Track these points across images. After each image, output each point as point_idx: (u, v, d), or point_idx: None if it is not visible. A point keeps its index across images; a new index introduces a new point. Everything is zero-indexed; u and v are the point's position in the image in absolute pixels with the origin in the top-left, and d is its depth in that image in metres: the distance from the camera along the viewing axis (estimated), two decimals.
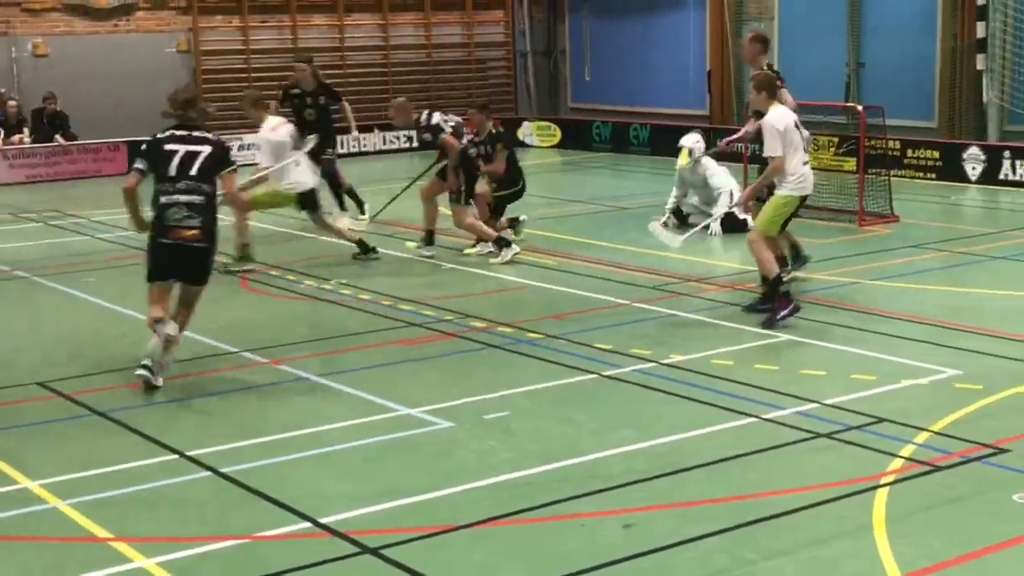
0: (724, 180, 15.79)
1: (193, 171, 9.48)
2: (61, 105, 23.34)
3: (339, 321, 11.52)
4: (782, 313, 10.68)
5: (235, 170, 9.86)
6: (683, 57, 25.71)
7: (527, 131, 27.38)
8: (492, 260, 14.11)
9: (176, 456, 7.89)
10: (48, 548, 6.62)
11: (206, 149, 9.59)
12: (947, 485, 7.14)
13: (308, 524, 6.76)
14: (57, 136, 23.28)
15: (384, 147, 26.56)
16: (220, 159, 9.67)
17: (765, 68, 12.10)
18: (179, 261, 9.53)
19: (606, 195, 19.31)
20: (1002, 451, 7.61)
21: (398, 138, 26.76)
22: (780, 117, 10.98)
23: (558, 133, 27.18)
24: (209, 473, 7.58)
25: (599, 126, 26.29)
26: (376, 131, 26.47)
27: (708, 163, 15.89)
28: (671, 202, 16.23)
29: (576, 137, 26.67)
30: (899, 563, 6.09)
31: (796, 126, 11.06)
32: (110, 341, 11.10)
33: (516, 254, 14.12)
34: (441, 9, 27.99)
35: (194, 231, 9.43)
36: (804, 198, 11.24)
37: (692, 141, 16.19)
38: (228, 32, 25.93)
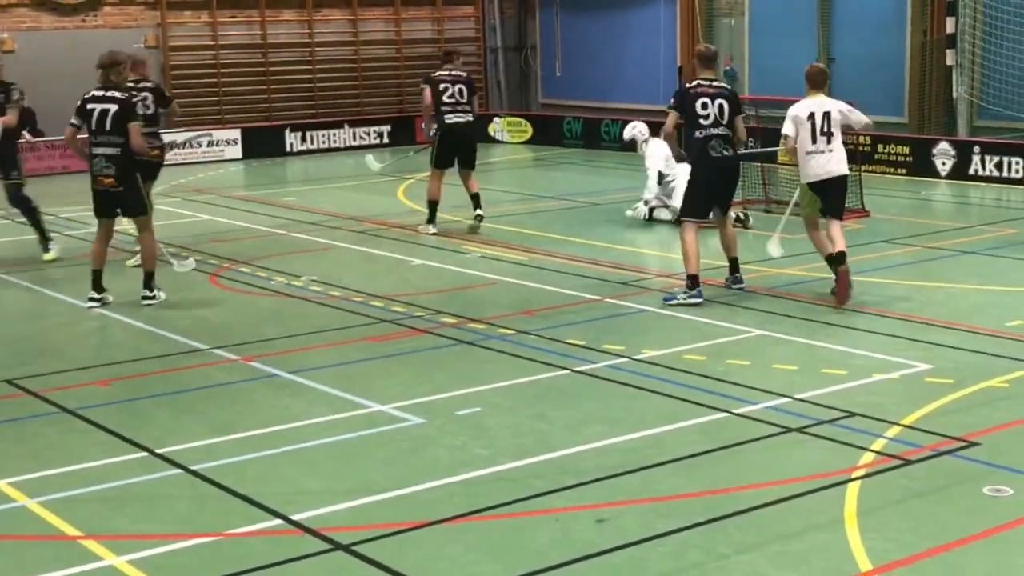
0: (653, 162, 16.13)
1: (107, 126, 11.56)
2: (28, 101, 23.07)
3: (310, 318, 11.47)
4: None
5: (139, 122, 11.77)
6: (654, 53, 25.74)
7: (498, 127, 27.36)
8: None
9: (146, 454, 7.84)
10: (17, 547, 6.56)
11: (114, 107, 11.59)
12: (918, 479, 7.17)
13: (280, 521, 6.73)
14: (24, 133, 23.04)
15: (354, 143, 26.50)
16: (125, 113, 11.60)
17: (697, 81, 12.03)
18: (108, 203, 11.82)
19: (577, 191, 19.31)
20: (972, 444, 7.64)
21: (368, 134, 26.71)
22: (796, 106, 11.73)
23: (529, 129, 27.17)
24: (179, 471, 7.54)
25: (570, 122, 26.29)
26: (346, 127, 26.42)
27: (649, 146, 16.25)
28: (647, 195, 16.29)
29: (547, 133, 26.67)
30: (870, 556, 6.11)
31: (812, 117, 11.54)
32: (78, 338, 11.04)
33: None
34: (411, 4, 27.94)
35: (110, 179, 11.66)
36: (818, 185, 11.66)
37: (631, 131, 16.75)
38: (197, 27, 25.79)
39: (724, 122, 11.84)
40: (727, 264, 12.22)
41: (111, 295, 12.08)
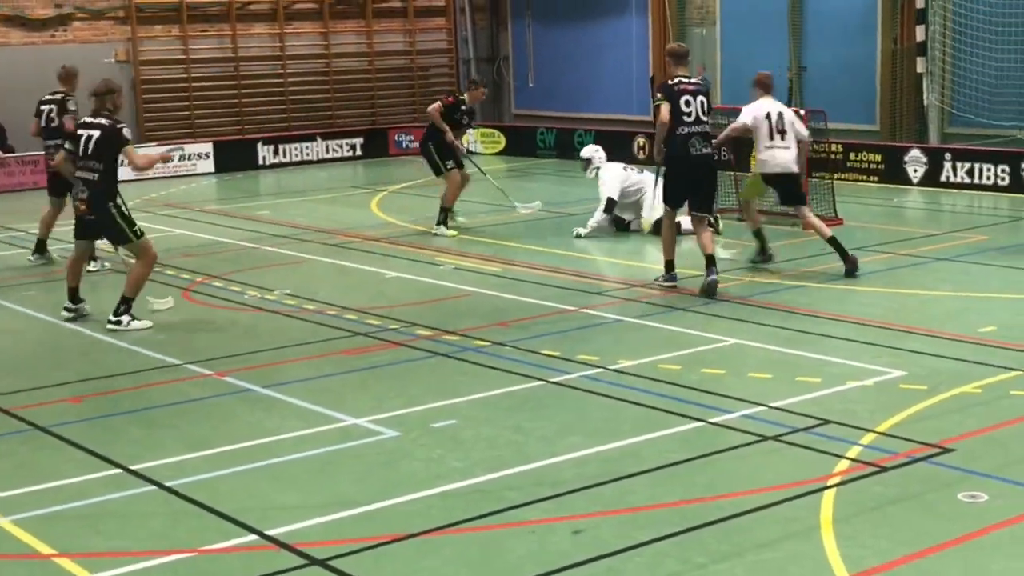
0: (607, 189, 16.01)
1: (89, 151, 11.47)
2: None
3: (284, 332, 11.44)
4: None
5: (130, 144, 11.60)
6: (626, 63, 25.79)
7: (471, 138, 27.31)
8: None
9: (120, 470, 7.79)
10: None
11: (96, 133, 11.50)
12: (893, 485, 7.18)
13: (255, 536, 6.70)
14: None
15: (327, 156, 26.45)
16: (108, 140, 11.47)
17: (678, 79, 12.38)
18: (87, 227, 11.79)
19: (551, 201, 19.30)
20: (946, 451, 7.67)
21: (341, 147, 26.67)
22: (754, 105, 13.32)
23: (502, 140, 27.18)
24: (154, 487, 7.50)
25: (543, 132, 26.31)
26: (319, 140, 26.37)
27: (602, 174, 16.27)
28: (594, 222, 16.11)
29: (520, 143, 26.68)
30: (846, 564, 6.12)
31: (768, 116, 13.09)
32: (50, 355, 10.98)
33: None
34: (383, 17, 27.92)
35: (84, 205, 11.60)
36: (772, 178, 13.28)
37: (591, 151, 16.86)
38: (168, 41, 25.71)
39: (704, 119, 12.23)
40: (702, 272, 12.24)
41: (88, 306, 12.07)
